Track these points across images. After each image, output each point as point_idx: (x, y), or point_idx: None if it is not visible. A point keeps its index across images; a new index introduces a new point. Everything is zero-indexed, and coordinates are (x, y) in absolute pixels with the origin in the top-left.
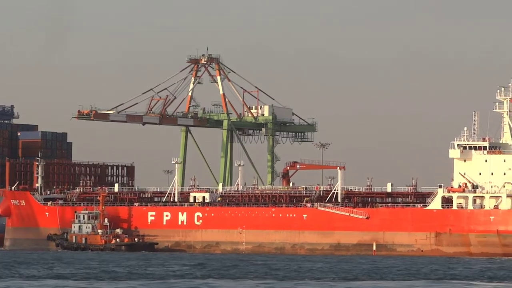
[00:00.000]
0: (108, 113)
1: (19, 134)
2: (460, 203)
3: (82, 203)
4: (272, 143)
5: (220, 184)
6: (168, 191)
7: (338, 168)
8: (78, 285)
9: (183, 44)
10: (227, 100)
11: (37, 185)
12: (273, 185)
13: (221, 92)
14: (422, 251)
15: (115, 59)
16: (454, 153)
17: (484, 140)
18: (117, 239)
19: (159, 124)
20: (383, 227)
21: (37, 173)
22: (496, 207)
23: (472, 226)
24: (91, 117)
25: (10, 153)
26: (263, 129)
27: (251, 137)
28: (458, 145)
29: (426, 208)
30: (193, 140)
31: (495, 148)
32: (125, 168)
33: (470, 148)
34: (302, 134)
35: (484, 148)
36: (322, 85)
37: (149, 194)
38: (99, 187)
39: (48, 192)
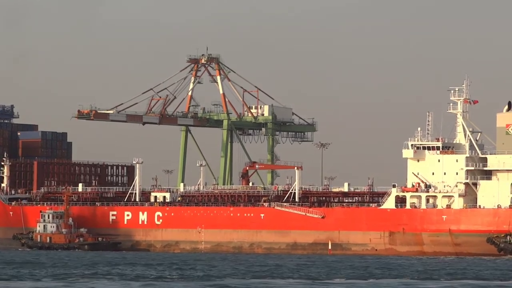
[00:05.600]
0: (108, 113)
1: (19, 134)
2: (414, 203)
3: (45, 202)
4: (272, 143)
5: (182, 184)
6: (130, 191)
7: (296, 168)
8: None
9: (183, 44)
10: (227, 100)
11: (2, 185)
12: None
13: (221, 92)
14: (376, 250)
15: (115, 58)
16: (408, 153)
17: (437, 140)
18: (81, 239)
19: (159, 124)
20: (338, 226)
21: (3, 173)
22: (448, 206)
23: (425, 225)
24: (91, 117)
25: (10, 153)
26: (263, 129)
27: (251, 137)
28: (411, 145)
29: (380, 207)
30: (193, 140)
31: (448, 148)
32: (125, 168)
33: (424, 148)
34: (302, 134)
35: (437, 148)
36: (322, 85)
37: (111, 194)
38: (64, 187)
39: (13, 192)
